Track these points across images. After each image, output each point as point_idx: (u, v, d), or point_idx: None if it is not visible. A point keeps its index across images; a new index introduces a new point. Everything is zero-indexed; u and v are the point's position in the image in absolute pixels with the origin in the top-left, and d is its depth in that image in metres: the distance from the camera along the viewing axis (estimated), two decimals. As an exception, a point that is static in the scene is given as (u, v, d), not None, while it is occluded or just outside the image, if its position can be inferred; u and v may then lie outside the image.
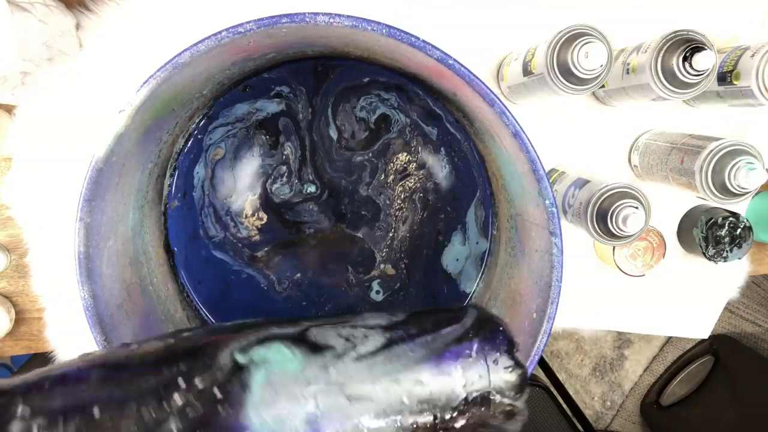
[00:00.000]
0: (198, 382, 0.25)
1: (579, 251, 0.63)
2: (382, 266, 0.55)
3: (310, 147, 0.53)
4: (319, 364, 0.27)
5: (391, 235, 0.55)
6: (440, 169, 0.54)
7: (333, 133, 0.53)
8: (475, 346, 0.29)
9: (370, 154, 0.54)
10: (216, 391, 0.25)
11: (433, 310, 0.33)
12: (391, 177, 0.54)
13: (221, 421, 0.24)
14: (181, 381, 0.25)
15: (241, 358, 0.26)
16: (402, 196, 0.54)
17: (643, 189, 0.48)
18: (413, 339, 0.29)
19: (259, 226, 0.54)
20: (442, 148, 0.53)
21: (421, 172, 0.54)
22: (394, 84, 0.52)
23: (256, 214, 0.53)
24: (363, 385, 0.27)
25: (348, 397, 0.26)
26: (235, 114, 0.52)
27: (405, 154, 0.54)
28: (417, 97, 0.52)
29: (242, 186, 0.53)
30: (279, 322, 0.30)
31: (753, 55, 0.47)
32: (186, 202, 0.52)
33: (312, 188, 0.54)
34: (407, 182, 0.54)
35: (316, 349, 0.28)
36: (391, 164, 0.54)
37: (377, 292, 0.55)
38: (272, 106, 0.52)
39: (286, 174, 0.53)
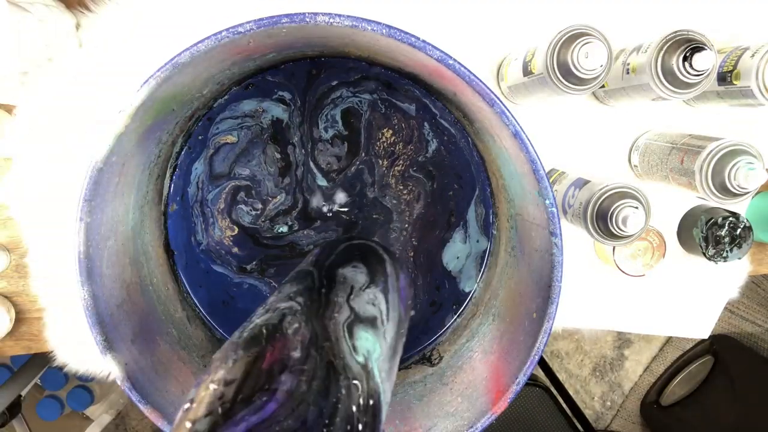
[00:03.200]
0: None
1: (579, 251, 0.63)
2: None
3: (302, 204, 0.54)
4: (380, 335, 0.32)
5: (406, 228, 0.55)
6: (428, 143, 0.53)
7: (321, 182, 0.53)
8: None
9: (363, 154, 0.53)
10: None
11: None
12: (385, 162, 0.54)
13: None
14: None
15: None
16: (404, 174, 0.54)
17: (643, 189, 0.48)
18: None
19: (231, 237, 0.54)
20: (425, 123, 0.53)
21: (410, 147, 0.53)
22: (350, 81, 0.52)
23: (225, 221, 0.53)
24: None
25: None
26: (243, 109, 0.52)
27: (389, 130, 0.53)
28: (370, 81, 0.52)
29: (231, 174, 0.53)
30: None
31: (753, 55, 0.47)
32: (183, 203, 0.52)
33: (284, 228, 0.54)
34: (398, 162, 0.54)
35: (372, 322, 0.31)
36: (380, 143, 0.53)
37: None
38: (278, 110, 0.52)
39: (259, 211, 0.54)
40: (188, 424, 0.22)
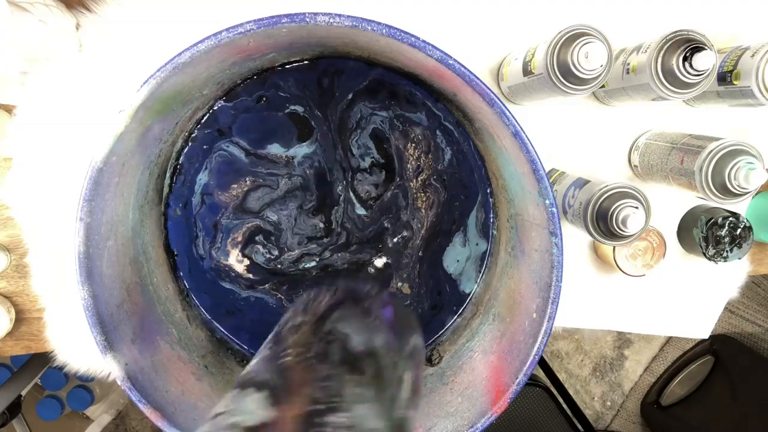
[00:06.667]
0: None
1: (579, 251, 0.63)
2: (399, 284, 0.55)
3: (345, 237, 0.54)
4: None
5: (417, 244, 0.55)
6: (443, 151, 0.53)
7: (360, 210, 0.54)
8: None
9: (398, 179, 0.54)
10: None
11: None
12: (413, 181, 0.54)
13: None
14: None
15: None
16: (426, 182, 0.54)
17: (643, 189, 0.48)
18: None
19: (245, 268, 0.54)
20: (437, 131, 0.53)
21: (429, 156, 0.53)
22: (365, 88, 0.52)
23: (236, 252, 0.53)
24: None
25: None
26: (270, 152, 0.52)
27: (411, 144, 0.53)
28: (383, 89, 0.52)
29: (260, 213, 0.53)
30: None
31: (753, 55, 0.47)
32: (185, 212, 0.52)
33: (311, 264, 0.54)
34: (422, 175, 0.54)
35: None
36: (409, 165, 0.54)
37: None
38: (303, 150, 0.52)
39: (274, 257, 0.54)
40: None
